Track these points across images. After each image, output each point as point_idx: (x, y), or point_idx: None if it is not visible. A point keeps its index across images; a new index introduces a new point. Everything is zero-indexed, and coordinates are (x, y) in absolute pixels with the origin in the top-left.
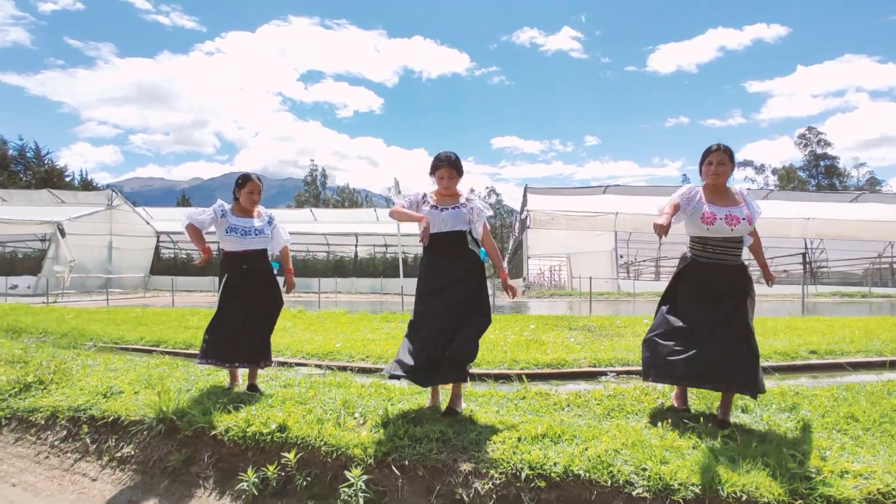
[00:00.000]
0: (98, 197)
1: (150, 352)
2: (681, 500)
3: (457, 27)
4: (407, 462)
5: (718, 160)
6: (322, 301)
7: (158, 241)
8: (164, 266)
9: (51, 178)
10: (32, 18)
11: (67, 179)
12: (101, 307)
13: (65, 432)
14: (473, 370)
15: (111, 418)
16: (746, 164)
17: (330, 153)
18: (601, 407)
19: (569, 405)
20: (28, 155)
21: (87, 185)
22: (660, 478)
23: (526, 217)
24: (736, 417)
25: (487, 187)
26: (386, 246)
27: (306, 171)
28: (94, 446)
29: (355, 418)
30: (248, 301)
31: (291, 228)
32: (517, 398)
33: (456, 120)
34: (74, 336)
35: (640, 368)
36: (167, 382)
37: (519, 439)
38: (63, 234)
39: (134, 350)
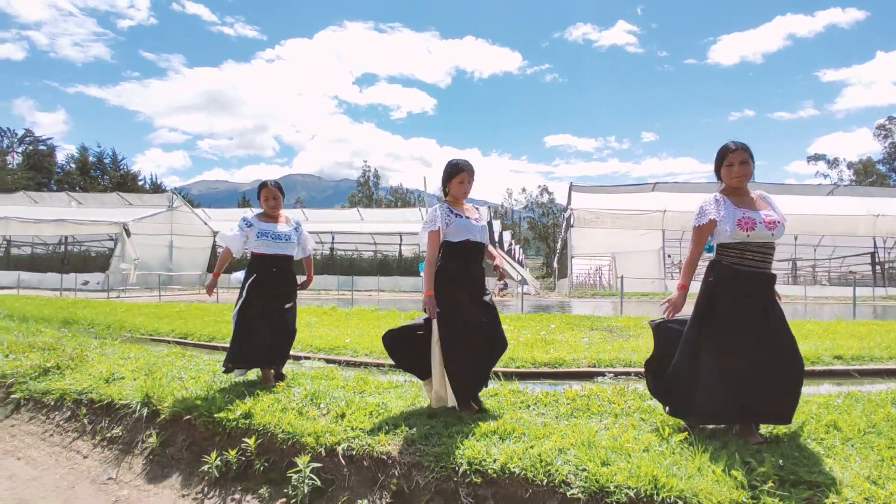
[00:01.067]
0: (160, 199)
1: (179, 343)
2: (615, 503)
3: (508, 26)
4: (354, 452)
5: (740, 160)
6: (365, 299)
7: (215, 240)
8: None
9: (125, 183)
10: (112, 34)
11: (140, 183)
12: (154, 302)
13: (69, 413)
14: None
15: (106, 402)
16: (818, 158)
17: (384, 154)
18: (567, 407)
19: (536, 403)
20: (105, 161)
21: (156, 189)
22: (596, 479)
23: (570, 216)
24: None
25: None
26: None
27: (360, 173)
28: (91, 427)
29: (320, 409)
30: (274, 304)
31: (340, 228)
32: (489, 395)
33: (508, 119)
34: (115, 328)
35: (642, 370)
36: (157, 370)
37: (468, 435)
38: (128, 233)
39: (164, 341)
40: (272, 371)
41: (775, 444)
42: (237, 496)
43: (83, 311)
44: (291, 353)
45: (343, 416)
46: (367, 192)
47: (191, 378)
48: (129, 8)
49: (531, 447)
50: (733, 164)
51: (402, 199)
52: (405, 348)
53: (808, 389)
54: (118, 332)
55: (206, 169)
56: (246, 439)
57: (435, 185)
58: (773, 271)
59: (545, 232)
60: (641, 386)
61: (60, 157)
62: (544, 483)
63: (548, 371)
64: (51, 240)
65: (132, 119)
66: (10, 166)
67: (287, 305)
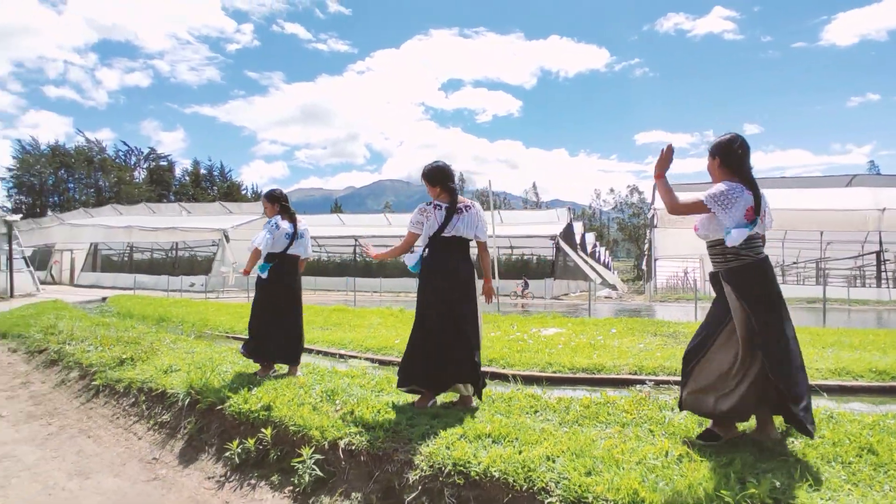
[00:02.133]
0: (256, 207)
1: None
2: None
3: (594, 22)
4: (354, 448)
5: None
6: None
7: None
8: (309, 267)
9: (230, 192)
10: (222, 58)
11: (243, 192)
12: (244, 303)
13: (133, 399)
14: (506, 370)
15: (160, 391)
16: None
17: (470, 158)
18: (575, 414)
19: (545, 409)
20: (214, 173)
21: (257, 197)
22: (577, 489)
23: (653, 215)
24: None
25: (629, 185)
26: (511, 248)
27: None
28: (147, 412)
29: (335, 405)
30: (291, 298)
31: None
32: (508, 398)
33: (596, 117)
34: (199, 325)
35: (671, 378)
36: (207, 365)
37: (461, 436)
38: (227, 239)
39: (237, 338)
40: (284, 369)
41: (793, 462)
42: (253, 481)
43: (177, 310)
44: (346, 353)
45: (352, 412)
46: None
47: (235, 372)
48: (235, 33)
49: (519, 452)
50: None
51: (487, 202)
52: None
53: (860, 407)
54: (201, 329)
55: (303, 177)
56: (263, 430)
57: (520, 187)
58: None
59: (635, 233)
60: (670, 396)
61: (178, 172)
62: (524, 489)
63: (584, 377)
64: (165, 245)
65: (238, 134)
66: (137, 181)
67: (298, 300)
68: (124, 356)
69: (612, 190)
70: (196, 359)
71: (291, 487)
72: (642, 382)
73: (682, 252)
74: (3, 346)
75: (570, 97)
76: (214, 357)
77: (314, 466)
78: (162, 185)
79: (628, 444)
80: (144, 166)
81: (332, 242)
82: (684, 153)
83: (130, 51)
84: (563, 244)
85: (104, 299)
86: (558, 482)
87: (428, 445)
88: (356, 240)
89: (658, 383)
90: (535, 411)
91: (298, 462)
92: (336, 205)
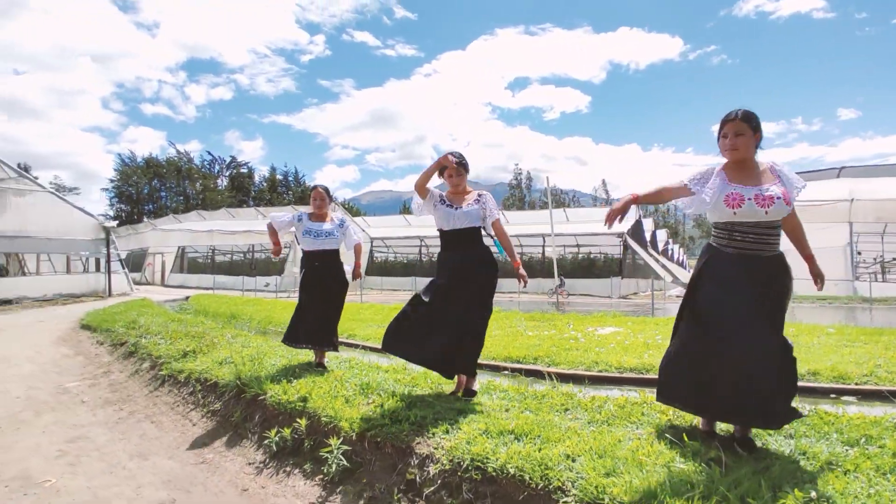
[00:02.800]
0: None
1: None
2: None
3: (666, 11)
4: (379, 440)
5: (735, 131)
6: (505, 301)
7: (372, 246)
8: (376, 267)
9: (304, 197)
10: (296, 68)
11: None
12: None
13: (191, 389)
14: (549, 369)
15: (213, 381)
16: None
17: (538, 156)
18: (606, 413)
19: (577, 408)
20: (289, 179)
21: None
22: (594, 489)
23: None
24: (761, 439)
25: None
26: (578, 246)
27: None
28: (202, 400)
29: (368, 398)
30: (319, 292)
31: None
32: (541, 396)
33: (669, 109)
34: (264, 322)
35: None
36: (258, 358)
37: (483, 432)
38: (298, 241)
39: None
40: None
41: (840, 474)
42: (288, 469)
43: (248, 308)
44: None
45: (381, 405)
46: (519, 194)
47: (282, 365)
48: (308, 44)
49: (539, 450)
50: (728, 135)
51: (556, 199)
52: None
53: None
54: (265, 325)
55: (373, 180)
56: (299, 420)
57: (590, 185)
58: (775, 252)
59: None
60: None
61: (257, 178)
62: (539, 487)
63: (632, 377)
64: (243, 248)
65: (312, 140)
66: (220, 188)
67: (333, 294)
68: (187, 349)
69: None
70: (248, 352)
71: (321, 476)
72: None
73: None
74: (93, 338)
75: (642, 90)
76: (266, 351)
77: (341, 457)
78: (242, 191)
79: (657, 446)
80: (226, 174)
81: (399, 243)
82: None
83: (215, 67)
84: (630, 242)
85: (187, 298)
86: (575, 482)
87: (450, 440)
88: (421, 240)
89: None
90: (566, 409)
91: (327, 452)
92: (405, 206)
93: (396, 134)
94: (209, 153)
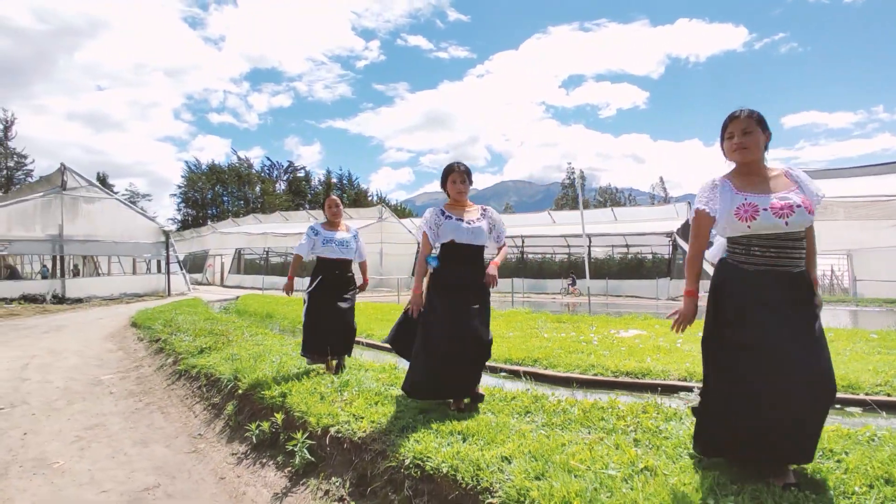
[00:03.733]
0: (372, 212)
1: None
2: None
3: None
4: (340, 436)
5: (742, 129)
6: (551, 302)
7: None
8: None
9: (358, 199)
10: (352, 74)
11: (369, 199)
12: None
13: (199, 383)
14: (546, 371)
15: (215, 376)
16: None
17: (593, 154)
18: (566, 417)
19: (541, 411)
20: (344, 182)
21: (382, 202)
22: (517, 491)
23: None
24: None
25: None
26: (627, 246)
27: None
28: (206, 394)
29: (342, 396)
30: (336, 300)
31: (531, 231)
32: (510, 398)
33: (734, 102)
34: (295, 321)
35: None
36: (259, 355)
37: (434, 431)
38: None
39: None
40: (334, 362)
41: (779, 490)
42: (264, 460)
43: (285, 308)
44: None
45: (351, 403)
46: (572, 193)
47: (281, 363)
48: (364, 50)
49: (481, 450)
50: (734, 135)
51: (610, 198)
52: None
53: None
54: (295, 325)
55: (427, 182)
56: (276, 415)
57: (647, 183)
58: (801, 267)
59: None
60: (679, 403)
61: (315, 181)
62: (469, 487)
63: (625, 381)
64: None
65: (367, 144)
66: (278, 191)
67: (346, 305)
68: (204, 346)
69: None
70: (256, 350)
71: (290, 468)
72: (689, 389)
73: (826, 247)
74: (136, 335)
75: (703, 83)
76: (273, 348)
77: (305, 451)
78: (299, 194)
79: (599, 451)
80: (284, 178)
81: None
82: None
83: (276, 76)
84: (681, 241)
85: (237, 298)
86: (503, 483)
87: (401, 437)
88: None
89: None
90: (527, 412)
91: (292, 446)
92: None
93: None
94: (268, 158)
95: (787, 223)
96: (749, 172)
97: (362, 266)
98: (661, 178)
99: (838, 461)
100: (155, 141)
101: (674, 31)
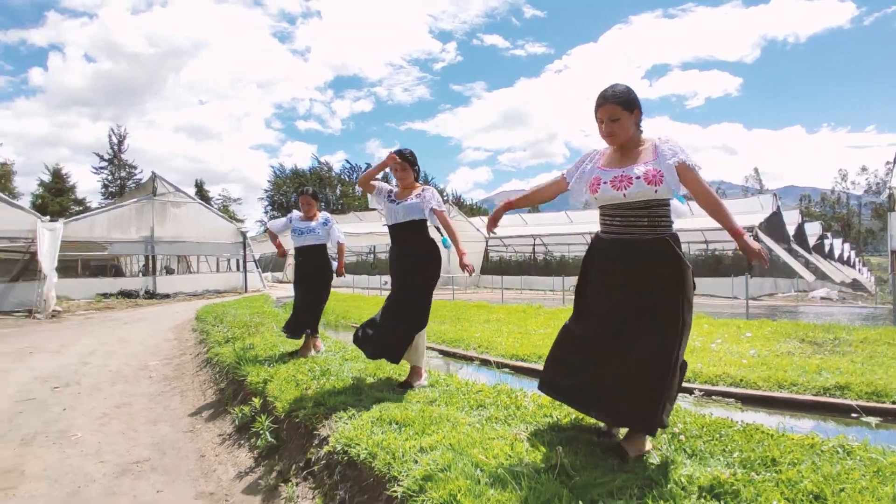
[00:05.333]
0: None
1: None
2: None
3: None
4: (298, 420)
5: (609, 116)
6: None
7: (487, 245)
8: (492, 266)
9: None
10: (430, 76)
11: (445, 199)
12: None
13: (217, 369)
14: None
15: (224, 363)
16: None
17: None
18: (516, 411)
19: (495, 404)
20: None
21: (458, 202)
22: (416, 481)
23: (890, 195)
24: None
25: (888, 163)
26: (706, 242)
27: None
28: (216, 378)
29: (319, 382)
30: (305, 284)
31: (589, 229)
32: (476, 391)
33: (841, 84)
34: (341, 316)
35: (726, 389)
36: (271, 346)
37: (375, 419)
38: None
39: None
40: (311, 338)
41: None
42: (242, 441)
43: (336, 305)
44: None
45: (318, 389)
46: None
47: (285, 352)
48: (441, 52)
49: (406, 440)
50: (602, 120)
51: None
52: None
53: None
54: (338, 319)
55: (505, 181)
56: (254, 399)
57: (741, 175)
58: (659, 236)
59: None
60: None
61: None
62: (380, 474)
63: None
64: (364, 249)
65: (446, 144)
66: (357, 193)
67: (314, 285)
68: (230, 336)
69: (864, 168)
70: (272, 339)
71: (258, 450)
72: (689, 391)
73: None
74: (193, 326)
75: (804, 65)
76: (289, 340)
77: (268, 434)
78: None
79: (518, 447)
80: None
81: (516, 242)
82: None
83: (357, 82)
84: (763, 236)
85: None
86: (410, 473)
87: (343, 424)
88: (535, 239)
89: (709, 393)
90: (481, 406)
91: (257, 428)
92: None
93: (528, 133)
94: (348, 161)
95: (624, 195)
96: (621, 150)
97: (339, 252)
98: (756, 170)
99: (777, 471)
100: (248, 149)
101: (769, 11)
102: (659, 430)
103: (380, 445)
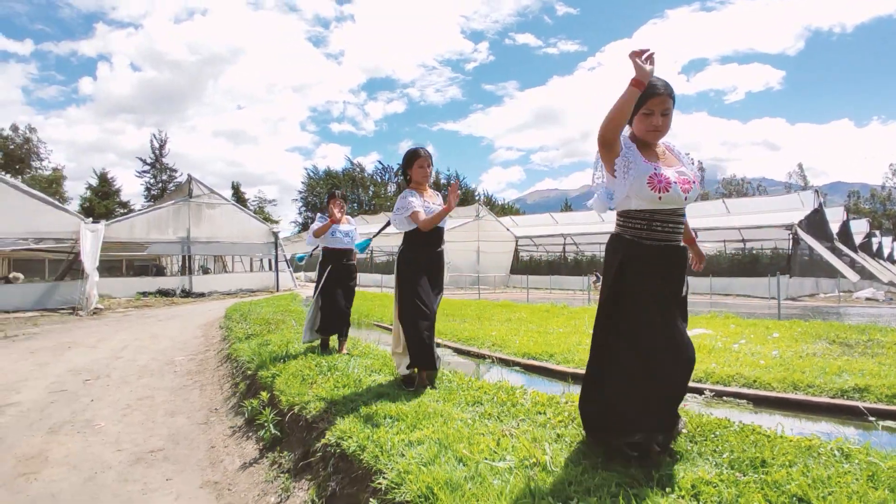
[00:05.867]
0: (469, 210)
1: (380, 327)
2: (394, 499)
3: None
4: (298, 414)
5: (663, 109)
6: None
7: (517, 245)
8: (521, 266)
9: (466, 198)
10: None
11: (476, 199)
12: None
13: (236, 365)
14: (546, 364)
15: (242, 359)
16: None
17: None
18: (513, 409)
19: (491, 401)
20: (450, 181)
21: (489, 202)
22: (397, 475)
23: None
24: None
25: None
26: (743, 241)
27: None
28: (234, 373)
29: (325, 377)
30: (346, 286)
31: (579, 230)
32: (477, 387)
33: (893, 75)
34: (366, 315)
35: (737, 390)
36: (287, 342)
37: (369, 415)
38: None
39: (380, 326)
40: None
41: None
42: (250, 433)
43: (366, 303)
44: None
45: (324, 385)
46: None
47: (301, 350)
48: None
49: (396, 434)
50: (653, 112)
51: (737, 189)
52: None
53: None
54: (360, 317)
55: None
56: (262, 393)
57: (783, 171)
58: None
59: None
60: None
61: None
62: (367, 467)
63: None
64: (395, 249)
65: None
66: (389, 193)
67: (352, 288)
68: (250, 332)
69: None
70: (289, 335)
71: (263, 442)
72: (700, 392)
73: None
74: (221, 324)
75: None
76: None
77: (272, 427)
78: None
79: (504, 443)
80: (395, 180)
81: (546, 241)
82: None
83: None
84: (802, 234)
85: None
86: (394, 467)
87: (340, 418)
88: (565, 238)
89: (720, 394)
90: (478, 402)
91: (261, 421)
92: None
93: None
94: (380, 163)
95: (686, 198)
96: (646, 146)
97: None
98: (800, 166)
99: (766, 472)
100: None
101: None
102: None
103: (370, 439)
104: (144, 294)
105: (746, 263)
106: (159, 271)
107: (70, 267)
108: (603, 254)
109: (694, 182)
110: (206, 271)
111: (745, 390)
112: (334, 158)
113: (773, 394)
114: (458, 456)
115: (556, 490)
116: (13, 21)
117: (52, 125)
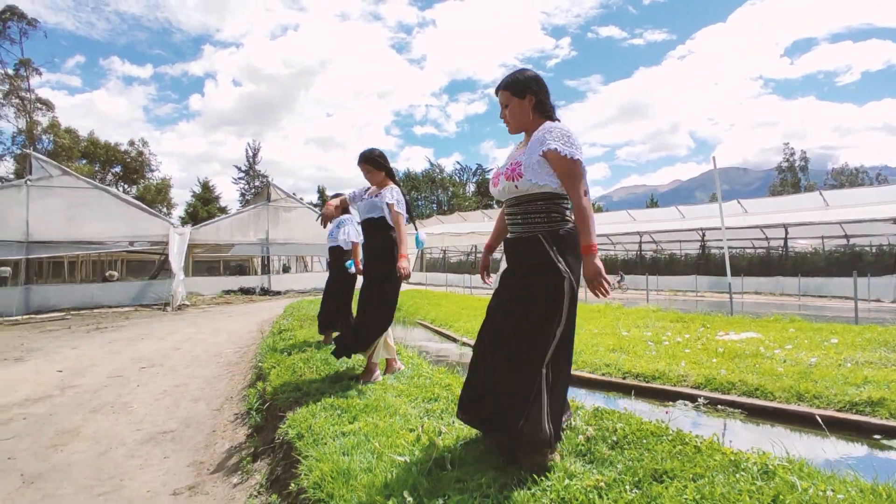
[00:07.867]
0: None
1: (423, 326)
2: (304, 484)
3: None
4: (277, 404)
5: (501, 103)
6: (750, 302)
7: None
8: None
9: None
10: (543, 74)
11: None
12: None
13: (258, 356)
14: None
15: (264, 351)
16: None
17: (829, 129)
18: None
19: (448, 398)
20: None
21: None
22: (314, 461)
23: None
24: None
25: None
26: (846, 237)
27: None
28: (255, 364)
29: (318, 371)
30: (330, 287)
31: (702, 225)
32: (446, 385)
33: None
34: (410, 313)
35: (734, 399)
36: (294, 335)
37: (328, 406)
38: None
39: (421, 324)
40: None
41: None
42: (245, 421)
43: (417, 301)
44: (433, 326)
45: (308, 377)
46: (792, 178)
47: (313, 345)
48: (554, 49)
49: (333, 425)
50: (502, 107)
51: (849, 180)
52: None
53: None
54: (405, 316)
55: (624, 176)
56: (259, 383)
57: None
58: (527, 235)
59: None
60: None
61: None
62: (300, 453)
63: (630, 384)
64: (466, 248)
65: None
66: (467, 193)
67: (334, 291)
68: (284, 328)
69: None
70: (313, 331)
71: (251, 429)
72: (693, 399)
73: None
74: (276, 319)
75: None
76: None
77: (256, 415)
78: (487, 195)
79: (426, 439)
80: (473, 180)
81: (623, 239)
82: None
83: (470, 85)
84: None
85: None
86: (314, 455)
87: (298, 407)
88: (641, 235)
89: (714, 402)
90: (435, 399)
91: (247, 408)
92: (651, 200)
93: (648, 124)
94: (458, 163)
95: (498, 191)
96: (527, 140)
97: (353, 252)
98: None
99: (662, 485)
100: None
101: None
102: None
103: (310, 429)
104: (227, 292)
105: (846, 261)
106: (242, 270)
107: (162, 267)
108: (683, 252)
109: (511, 169)
110: (286, 270)
111: (742, 399)
112: (417, 161)
113: (770, 404)
114: (373, 449)
115: (440, 486)
116: (135, 48)
117: (167, 139)
